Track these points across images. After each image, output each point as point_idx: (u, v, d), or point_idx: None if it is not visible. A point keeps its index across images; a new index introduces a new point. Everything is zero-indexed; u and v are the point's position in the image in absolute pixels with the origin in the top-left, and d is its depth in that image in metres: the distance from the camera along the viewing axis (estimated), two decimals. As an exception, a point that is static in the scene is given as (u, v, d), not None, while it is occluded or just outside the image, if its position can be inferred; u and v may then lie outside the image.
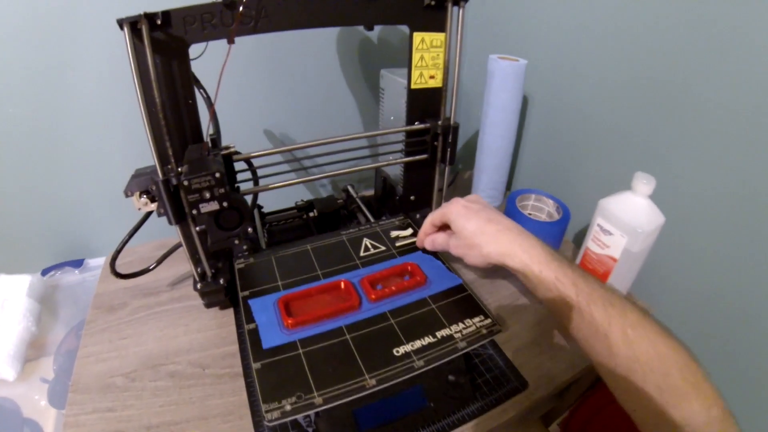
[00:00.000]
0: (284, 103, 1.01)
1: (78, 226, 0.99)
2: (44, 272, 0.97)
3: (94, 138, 0.89)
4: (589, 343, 0.52)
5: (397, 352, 0.52)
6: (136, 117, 0.89)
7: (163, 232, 0.74)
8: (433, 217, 0.65)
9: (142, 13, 0.45)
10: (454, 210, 0.62)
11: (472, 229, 0.59)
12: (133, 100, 0.86)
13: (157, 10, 0.48)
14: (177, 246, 0.74)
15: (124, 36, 0.46)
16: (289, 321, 0.54)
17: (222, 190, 0.51)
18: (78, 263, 0.99)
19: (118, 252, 0.64)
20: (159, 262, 0.72)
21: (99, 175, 0.93)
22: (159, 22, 0.47)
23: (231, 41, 0.51)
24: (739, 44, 0.57)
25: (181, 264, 0.77)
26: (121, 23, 0.45)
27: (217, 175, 0.50)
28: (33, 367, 0.87)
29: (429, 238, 0.67)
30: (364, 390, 0.47)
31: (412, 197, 0.79)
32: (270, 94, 0.98)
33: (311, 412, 0.46)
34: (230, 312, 0.69)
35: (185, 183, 0.48)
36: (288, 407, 0.46)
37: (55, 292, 0.97)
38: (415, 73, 0.67)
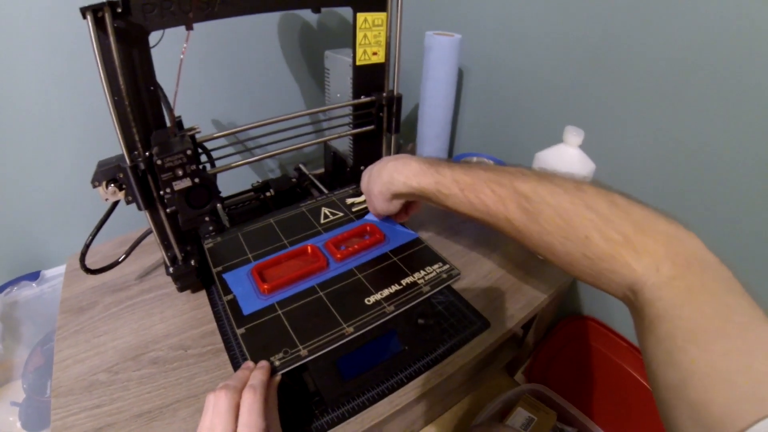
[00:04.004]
0: (228, 90, 1.03)
1: (28, 237, 0.96)
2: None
3: (37, 143, 0.88)
4: (502, 231, 0.48)
5: (368, 301, 0.57)
6: (81, 118, 0.88)
7: (121, 228, 0.74)
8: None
9: (105, 0, 0.47)
10: (364, 190, 0.67)
11: (374, 190, 0.63)
12: (76, 102, 0.86)
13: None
14: (144, 235, 0.75)
15: (87, 24, 0.47)
16: (265, 286, 0.57)
17: (193, 167, 0.53)
18: (34, 276, 0.97)
19: (87, 246, 0.64)
20: (128, 253, 0.72)
21: (45, 182, 0.92)
22: (119, 10, 0.49)
23: (189, 27, 0.53)
24: (659, 8, 0.64)
25: (146, 257, 0.78)
26: (84, 11, 0.46)
27: (188, 152, 0.53)
28: (1, 392, 0.85)
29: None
30: (344, 338, 0.52)
31: (362, 167, 0.82)
32: (214, 83, 1.01)
33: (299, 364, 0.50)
34: (203, 294, 0.71)
35: (158, 162, 0.51)
36: (277, 363, 0.49)
37: (13, 310, 0.94)
38: (359, 51, 0.71)
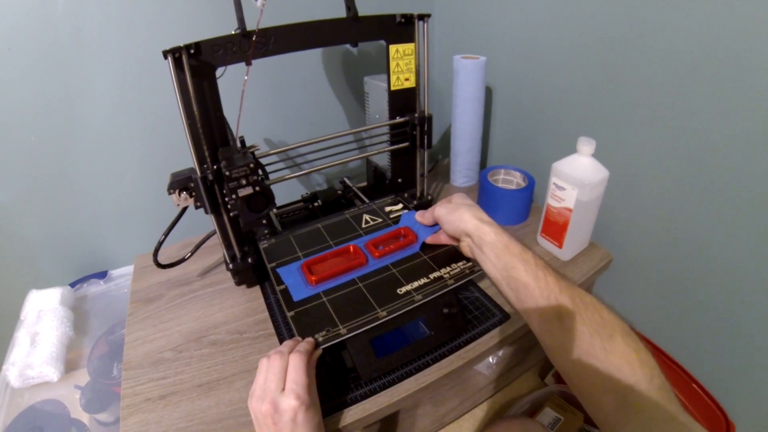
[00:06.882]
0: (280, 112, 1.14)
1: (96, 240, 1.09)
2: (71, 285, 1.05)
3: (106, 159, 1.00)
4: (541, 311, 0.55)
5: (400, 291, 0.65)
6: (145, 137, 1.00)
7: (181, 235, 0.85)
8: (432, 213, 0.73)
9: (182, 45, 0.58)
10: (453, 199, 0.70)
11: (466, 202, 0.67)
12: (141, 122, 0.99)
13: (190, 41, 0.61)
14: (207, 237, 0.87)
15: (168, 63, 0.59)
16: (313, 278, 0.67)
17: (255, 177, 0.64)
18: (102, 275, 1.09)
19: (160, 244, 0.76)
20: (193, 251, 0.84)
21: (112, 193, 1.04)
22: (192, 51, 0.60)
23: (249, 63, 0.64)
24: (662, 28, 0.70)
25: (205, 258, 0.90)
26: (165, 53, 0.58)
27: (252, 165, 0.63)
28: (67, 378, 0.93)
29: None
30: (378, 320, 0.61)
31: (399, 180, 0.93)
32: (267, 106, 1.11)
33: (338, 341, 0.58)
34: (256, 289, 0.82)
35: (227, 173, 0.62)
36: (320, 339, 0.59)
37: (82, 303, 1.05)
38: (393, 78, 0.81)
